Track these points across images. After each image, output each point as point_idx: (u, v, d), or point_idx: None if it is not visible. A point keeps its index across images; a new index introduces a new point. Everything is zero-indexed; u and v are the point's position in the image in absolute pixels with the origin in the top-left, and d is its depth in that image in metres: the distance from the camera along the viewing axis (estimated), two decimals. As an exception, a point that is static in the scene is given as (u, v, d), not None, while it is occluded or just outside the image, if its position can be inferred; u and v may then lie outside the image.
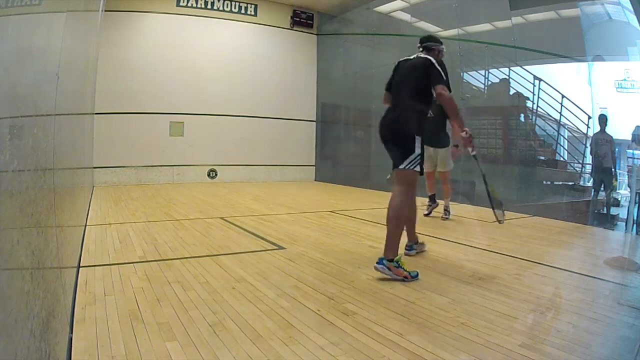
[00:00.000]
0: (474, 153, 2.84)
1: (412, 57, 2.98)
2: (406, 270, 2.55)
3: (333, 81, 10.31)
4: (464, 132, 2.79)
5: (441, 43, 3.04)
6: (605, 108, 7.75)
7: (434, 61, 2.77)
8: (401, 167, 2.67)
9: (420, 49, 3.00)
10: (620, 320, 2.07)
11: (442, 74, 2.72)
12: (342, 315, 2.00)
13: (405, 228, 2.86)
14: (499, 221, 2.93)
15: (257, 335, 1.76)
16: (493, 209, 2.93)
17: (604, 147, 6.03)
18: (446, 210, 5.00)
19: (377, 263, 2.57)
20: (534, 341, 1.75)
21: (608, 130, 6.08)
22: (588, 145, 6.71)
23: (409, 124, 2.69)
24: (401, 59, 3.02)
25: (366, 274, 2.68)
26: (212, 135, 9.30)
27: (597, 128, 6.25)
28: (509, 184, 6.21)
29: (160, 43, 8.72)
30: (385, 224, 2.66)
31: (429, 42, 2.99)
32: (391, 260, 2.55)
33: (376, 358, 1.59)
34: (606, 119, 6.11)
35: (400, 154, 2.68)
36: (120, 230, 3.91)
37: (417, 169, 2.67)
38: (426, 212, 5.09)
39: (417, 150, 2.67)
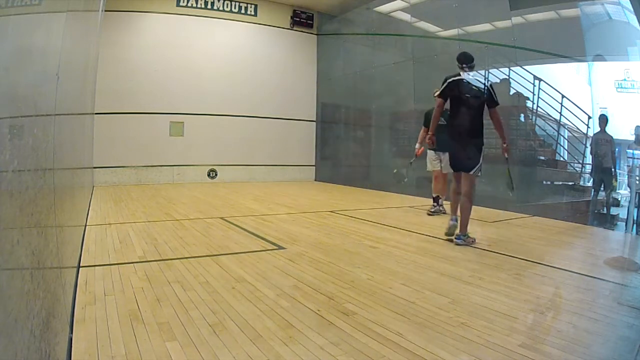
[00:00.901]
0: (507, 157, 3.74)
1: (462, 77, 3.59)
2: (470, 237, 3.62)
3: (333, 81, 10.31)
4: (505, 144, 3.72)
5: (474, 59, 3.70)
6: (605, 108, 7.74)
7: (491, 87, 3.57)
8: (472, 172, 3.58)
9: (466, 68, 3.60)
10: (620, 320, 2.07)
11: (495, 95, 3.56)
12: (342, 315, 2.00)
13: (452, 206, 3.76)
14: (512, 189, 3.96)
15: (257, 335, 1.76)
16: (512, 184, 3.90)
17: (604, 147, 6.02)
18: (441, 204, 5.36)
19: (457, 238, 3.59)
20: (534, 341, 1.75)
21: (608, 130, 6.07)
22: (588, 145, 6.69)
23: (481, 141, 3.59)
24: (454, 78, 3.62)
25: (366, 274, 2.68)
26: (212, 135, 9.30)
27: (597, 128, 6.24)
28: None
29: (160, 43, 8.73)
30: (460, 211, 3.64)
31: (472, 62, 3.63)
32: (465, 234, 3.59)
33: (376, 358, 1.59)
34: (606, 119, 6.10)
35: (472, 163, 3.57)
36: (120, 230, 3.91)
37: (480, 173, 3.63)
38: (431, 211, 5.23)
39: (481, 160, 3.60)
